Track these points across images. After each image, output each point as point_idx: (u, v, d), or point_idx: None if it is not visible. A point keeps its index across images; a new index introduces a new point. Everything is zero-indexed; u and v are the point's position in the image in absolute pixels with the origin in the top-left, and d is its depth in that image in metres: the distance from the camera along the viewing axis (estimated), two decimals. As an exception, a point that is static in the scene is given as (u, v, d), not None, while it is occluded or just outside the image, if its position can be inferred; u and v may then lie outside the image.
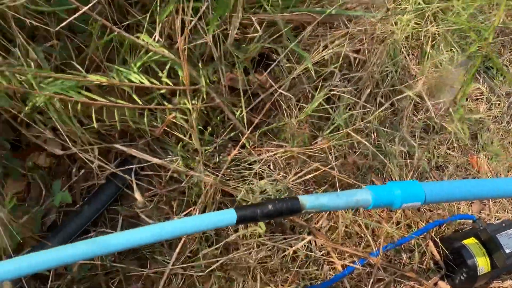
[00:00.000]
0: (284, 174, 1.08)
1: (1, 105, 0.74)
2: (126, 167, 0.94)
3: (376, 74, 1.29)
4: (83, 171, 0.93)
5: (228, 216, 0.72)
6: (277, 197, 1.01)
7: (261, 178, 1.05)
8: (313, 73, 1.06)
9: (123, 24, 0.94)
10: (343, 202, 0.78)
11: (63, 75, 0.78)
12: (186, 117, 0.95)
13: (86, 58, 0.94)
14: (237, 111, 1.05)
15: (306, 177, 1.07)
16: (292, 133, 1.06)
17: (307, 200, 0.76)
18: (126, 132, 1.00)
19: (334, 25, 1.21)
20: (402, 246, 1.21)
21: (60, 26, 0.80)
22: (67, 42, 0.93)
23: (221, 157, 1.06)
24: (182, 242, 0.97)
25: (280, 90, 1.04)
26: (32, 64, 0.77)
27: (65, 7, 0.82)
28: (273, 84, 1.05)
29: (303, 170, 1.08)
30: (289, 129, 1.07)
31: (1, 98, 0.73)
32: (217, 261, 0.99)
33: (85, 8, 0.80)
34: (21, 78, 0.79)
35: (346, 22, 1.15)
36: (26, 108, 0.78)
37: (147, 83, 0.88)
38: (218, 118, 1.05)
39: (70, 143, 0.85)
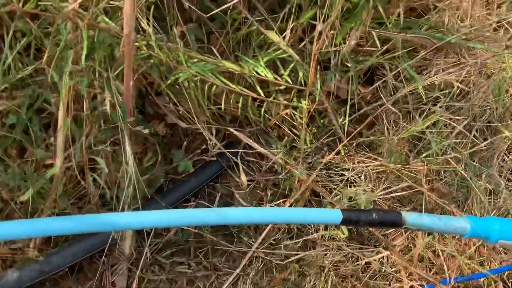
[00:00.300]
0: (373, 187, 1.11)
1: (152, 74, 0.84)
2: (234, 150, 1.01)
3: (476, 108, 1.29)
4: (204, 146, 1.01)
5: (334, 215, 0.77)
6: (365, 207, 1.05)
7: (350, 186, 1.10)
8: (423, 95, 1.08)
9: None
10: (442, 225, 0.81)
11: (206, 57, 0.86)
12: (296, 115, 1.01)
13: (216, 44, 1.02)
14: (339, 118, 1.10)
15: (394, 194, 1.10)
16: (390, 149, 1.10)
17: (409, 217, 0.79)
18: (236, 118, 1.08)
19: (445, 52, 1.23)
20: (471, 281, 1.21)
21: (211, 14, 0.89)
22: (202, 26, 1.02)
23: (315, 158, 1.12)
24: (268, 229, 1.04)
25: (387, 105, 1.08)
26: (181, 43, 0.86)
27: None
28: (383, 97, 1.08)
29: (392, 186, 1.11)
30: (387, 145, 1.10)
31: (154, 68, 0.82)
32: (296, 254, 1.04)
33: (235, 0, 0.88)
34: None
35: (462, 52, 1.17)
36: (168, 81, 0.87)
37: (270, 78, 0.95)
38: (321, 121, 1.10)
39: (195, 119, 0.94)
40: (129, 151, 0.79)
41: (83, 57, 0.70)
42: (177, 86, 0.95)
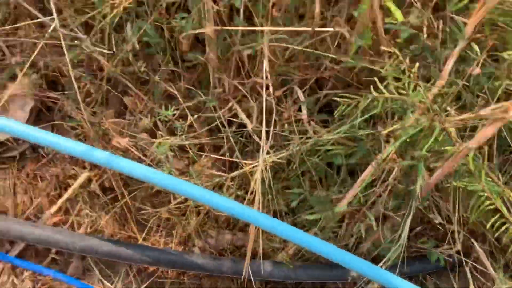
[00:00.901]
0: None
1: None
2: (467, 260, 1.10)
3: None
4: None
5: None
6: None
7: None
8: None
9: None
10: None
11: (497, 180, 0.98)
12: None
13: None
14: None
15: None
16: None
17: None
18: (474, 232, 1.17)
19: None
20: None
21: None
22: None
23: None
24: None
25: None
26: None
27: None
28: None
29: None
30: None
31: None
32: None
33: None
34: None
35: None
36: (454, 183, 1.01)
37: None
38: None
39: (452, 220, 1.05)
40: (408, 223, 0.94)
41: (426, 146, 0.87)
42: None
